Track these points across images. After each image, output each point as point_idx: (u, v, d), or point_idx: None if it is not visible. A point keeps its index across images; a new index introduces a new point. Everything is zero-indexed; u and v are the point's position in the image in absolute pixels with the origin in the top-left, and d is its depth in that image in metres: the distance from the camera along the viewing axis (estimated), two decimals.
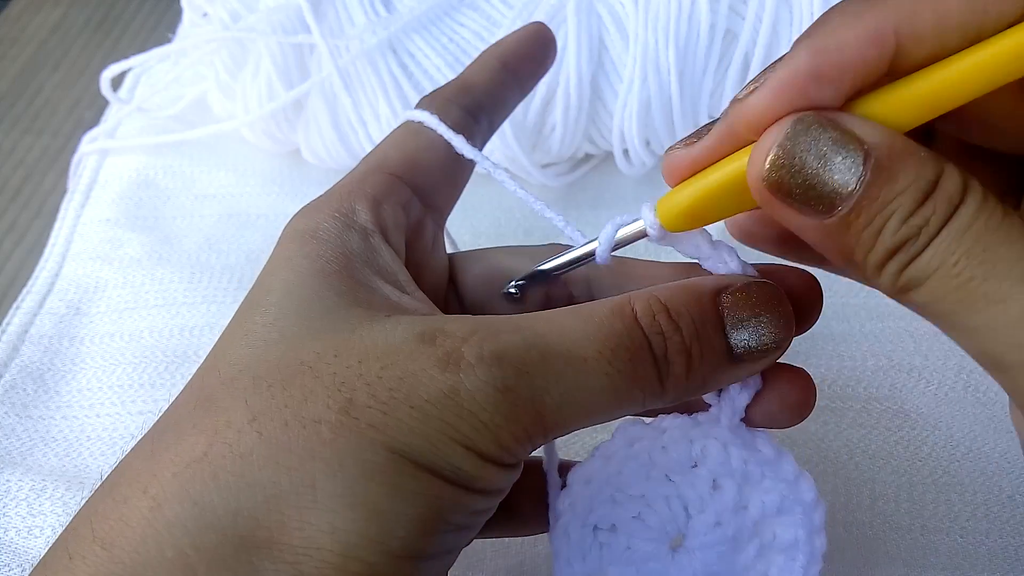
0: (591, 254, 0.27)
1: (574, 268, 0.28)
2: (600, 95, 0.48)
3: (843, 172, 0.21)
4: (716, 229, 0.27)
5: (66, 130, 0.61)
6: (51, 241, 0.50)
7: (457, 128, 0.30)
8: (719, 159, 0.24)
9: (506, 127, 0.47)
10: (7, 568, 0.35)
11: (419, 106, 0.31)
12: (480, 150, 0.31)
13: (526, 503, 0.28)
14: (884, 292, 0.22)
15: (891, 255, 0.21)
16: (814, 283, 0.27)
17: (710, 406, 0.27)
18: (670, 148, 0.25)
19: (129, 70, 0.56)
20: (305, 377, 0.22)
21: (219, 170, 0.53)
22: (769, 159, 0.21)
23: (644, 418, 0.28)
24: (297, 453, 0.21)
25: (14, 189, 0.57)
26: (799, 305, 0.26)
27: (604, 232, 0.27)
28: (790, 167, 0.21)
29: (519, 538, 0.36)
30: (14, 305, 0.46)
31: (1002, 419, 0.40)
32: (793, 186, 0.21)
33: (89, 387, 0.42)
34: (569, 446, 0.38)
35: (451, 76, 0.47)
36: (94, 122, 0.58)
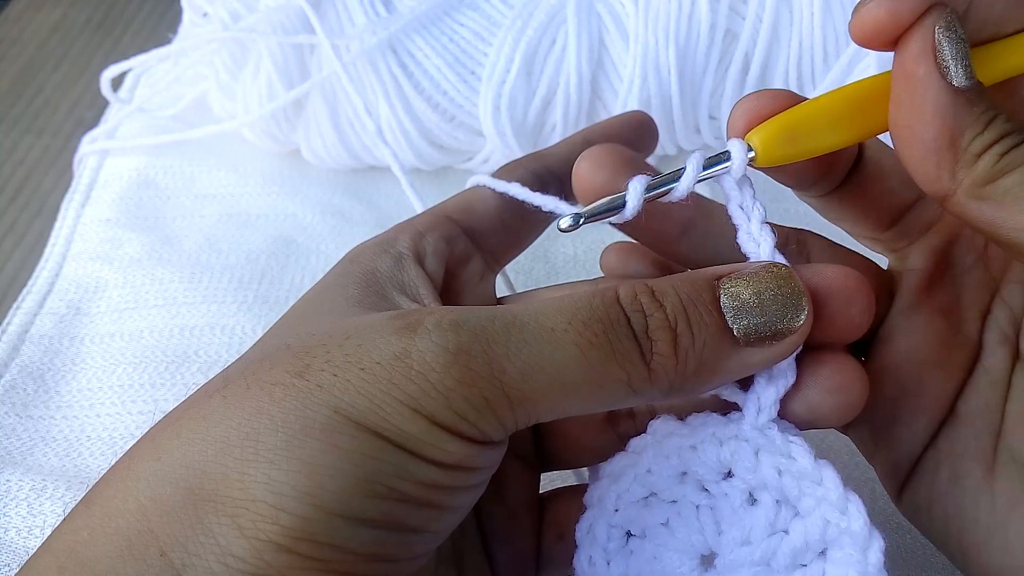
0: (671, 187, 0.25)
1: (650, 201, 0.26)
2: (600, 95, 0.48)
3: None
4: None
5: (66, 130, 0.61)
6: (51, 241, 0.50)
7: (522, 180, 0.31)
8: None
9: (506, 127, 0.47)
10: (7, 568, 0.35)
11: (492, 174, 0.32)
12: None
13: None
14: (963, 188, 0.23)
15: (1001, 137, 0.23)
16: (857, 278, 0.25)
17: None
18: (749, 95, 0.26)
19: (129, 70, 0.56)
20: (280, 352, 0.23)
21: (219, 170, 0.53)
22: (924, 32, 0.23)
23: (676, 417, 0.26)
24: (249, 411, 0.21)
25: (14, 189, 0.57)
26: (837, 303, 0.24)
27: (690, 163, 0.25)
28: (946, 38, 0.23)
29: None
30: (14, 305, 0.46)
31: None
32: (941, 58, 0.23)
33: (89, 387, 0.42)
34: None
35: (451, 76, 0.48)
36: (94, 122, 0.58)
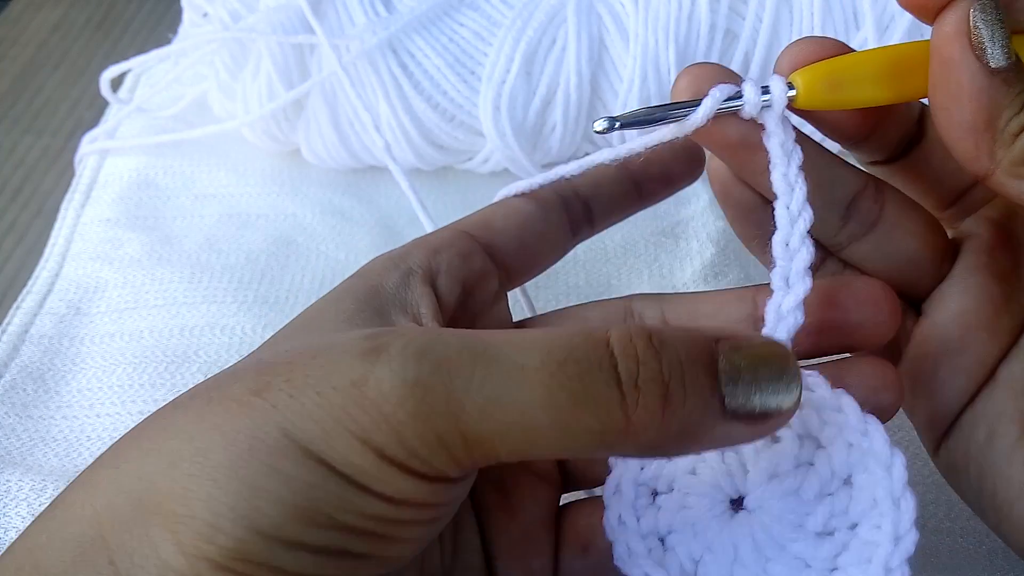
0: (690, 112, 0.25)
1: (667, 120, 0.25)
2: (600, 95, 0.48)
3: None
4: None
5: (66, 130, 0.61)
6: (51, 241, 0.50)
7: (543, 203, 0.30)
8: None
9: (506, 127, 0.47)
10: None
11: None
12: (573, 233, 0.31)
13: (602, 539, 0.27)
14: (1002, 168, 0.23)
15: None
16: (883, 289, 0.27)
17: None
18: (798, 40, 0.26)
19: (129, 70, 0.56)
20: (250, 367, 0.23)
21: (219, 170, 0.53)
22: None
23: None
24: (205, 426, 0.21)
25: (14, 189, 0.57)
26: (866, 312, 0.26)
27: (712, 92, 0.25)
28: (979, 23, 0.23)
29: None
30: (14, 305, 0.46)
31: None
32: (976, 39, 0.23)
33: (89, 387, 0.42)
34: None
35: (451, 76, 0.48)
36: (94, 122, 0.58)
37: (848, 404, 0.24)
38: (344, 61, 0.47)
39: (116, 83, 0.57)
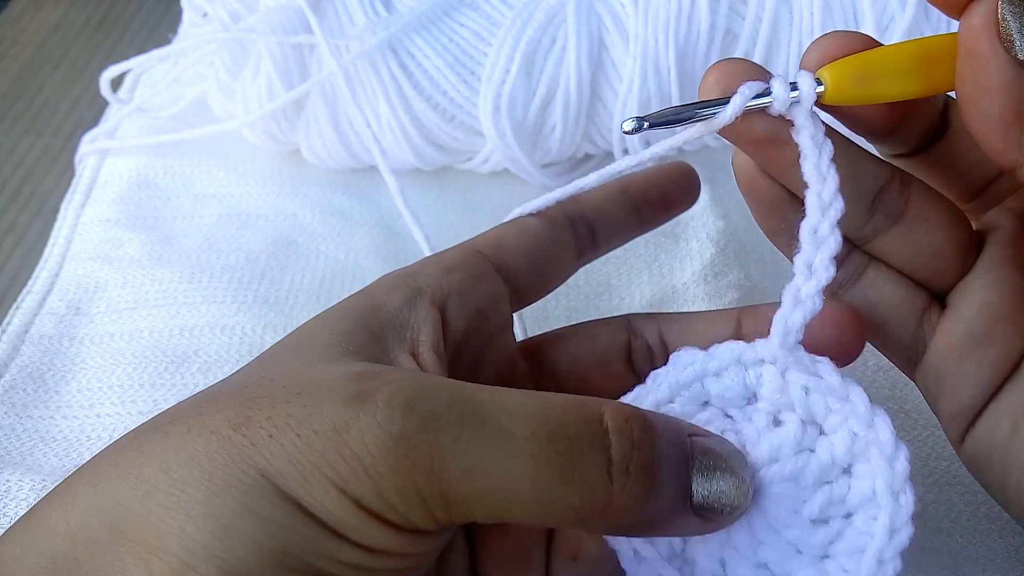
0: (766, 102, 0.25)
1: (695, 119, 0.25)
2: (600, 95, 0.48)
3: None
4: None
5: (66, 130, 0.61)
6: (51, 241, 0.50)
7: (552, 224, 0.31)
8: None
9: (506, 127, 0.47)
10: None
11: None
12: (578, 256, 0.32)
13: (591, 547, 0.27)
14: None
15: None
16: (849, 314, 0.27)
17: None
18: (826, 34, 0.25)
19: (129, 70, 0.56)
20: (232, 394, 0.22)
21: (219, 170, 0.53)
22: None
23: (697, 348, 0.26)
24: (183, 456, 0.21)
25: (14, 189, 0.57)
26: (833, 335, 0.26)
27: (741, 90, 0.25)
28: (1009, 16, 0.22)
29: None
30: (14, 305, 0.46)
31: None
32: (1005, 31, 0.22)
33: (89, 387, 0.42)
34: None
35: (451, 76, 0.47)
36: (94, 122, 0.58)
37: (856, 393, 0.24)
38: (344, 61, 0.47)
39: (116, 83, 0.57)
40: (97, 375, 0.43)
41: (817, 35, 0.47)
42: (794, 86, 0.25)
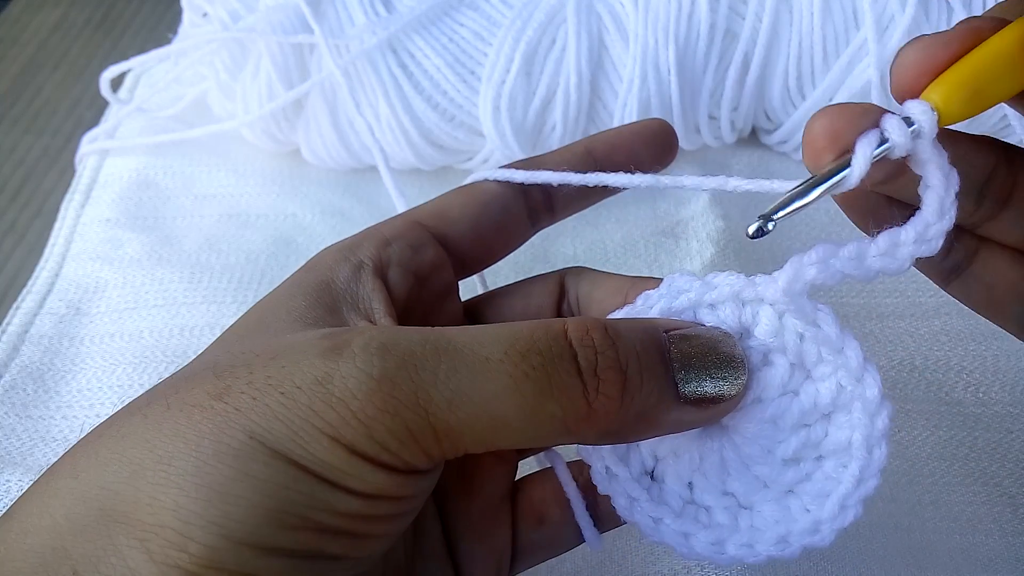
0: (886, 148, 0.22)
1: (820, 195, 0.22)
2: (600, 95, 0.48)
3: None
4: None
5: (66, 130, 0.61)
6: (51, 241, 0.50)
7: (502, 192, 0.31)
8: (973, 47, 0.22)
9: (506, 127, 0.47)
10: None
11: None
12: (532, 222, 0.32)
13: (555, 511, 0.28)
14: None
15: None
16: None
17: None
18: (906, 47, 0.23)
19: (129, 70, 0.56)
20: (206, 371, 0.22)
21: (219, 170, 0.53)
22: None
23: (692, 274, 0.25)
24: (165, 433, 0.21)
25: (14, 189, 0.57)
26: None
27: (860, 147, 0.22)
28: None
29: None
30: (14, 305, 0.46)
31: (1003, 419, 0.40)
32: None
33: (89, 387, 0.42)
34: None
35: (451, 76, 0.47)
36: (94, 122, 0.58)
37: (852, 347, 0.24)
38: (344, 61, 0.47)
39: (116, 83, 0.57)
40: (97, 375, 0.43)
41: (816, 35, 0.47)
42: (907, 120, 0.23)
